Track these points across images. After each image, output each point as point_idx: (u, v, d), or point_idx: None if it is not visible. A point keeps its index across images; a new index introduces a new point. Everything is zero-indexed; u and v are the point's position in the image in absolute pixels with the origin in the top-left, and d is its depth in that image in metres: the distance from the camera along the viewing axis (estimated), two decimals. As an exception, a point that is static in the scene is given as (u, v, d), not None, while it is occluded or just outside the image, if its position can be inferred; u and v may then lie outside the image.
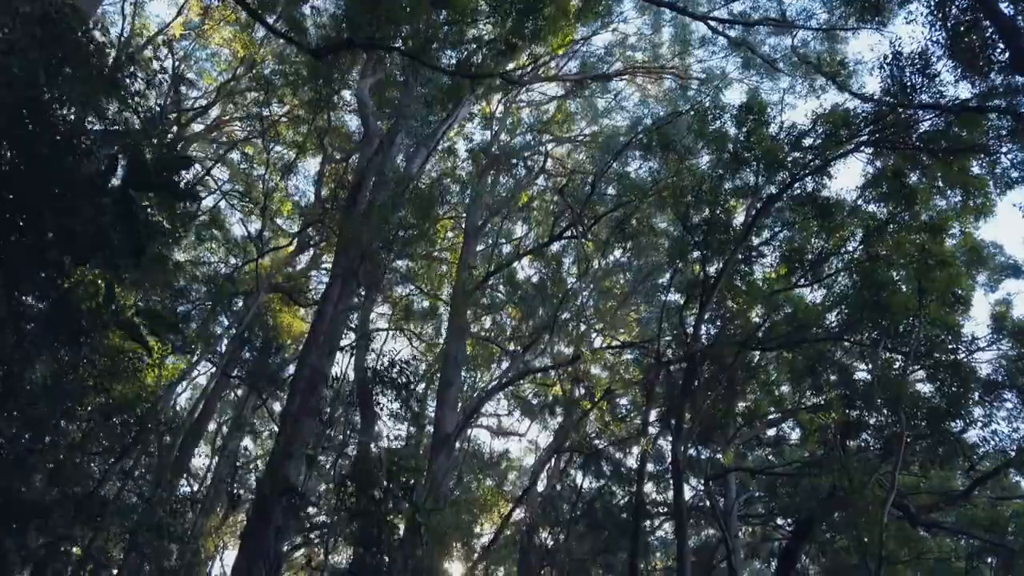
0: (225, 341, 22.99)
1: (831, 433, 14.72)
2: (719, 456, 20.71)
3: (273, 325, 21.60)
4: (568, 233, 22.63)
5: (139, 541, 8.91)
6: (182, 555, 11.44)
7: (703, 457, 20.55)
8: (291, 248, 25.16)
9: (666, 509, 26.84)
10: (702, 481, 21.05)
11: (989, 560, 18.05)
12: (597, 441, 26.99)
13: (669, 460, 24.08)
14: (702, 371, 16.89)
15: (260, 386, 20.28)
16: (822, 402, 15.95)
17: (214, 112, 28.32)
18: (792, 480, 18.68)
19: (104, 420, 9.00)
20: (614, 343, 23.97)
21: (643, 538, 23.16)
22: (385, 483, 7.65)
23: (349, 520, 9.89)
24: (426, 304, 30.08)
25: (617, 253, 29.06)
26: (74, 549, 10.01)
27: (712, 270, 17.25)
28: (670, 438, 25.80)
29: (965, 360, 15.38)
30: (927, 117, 15.04)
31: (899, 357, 15.47)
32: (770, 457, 23.99)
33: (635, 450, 25.52)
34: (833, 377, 17.43)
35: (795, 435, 24.93)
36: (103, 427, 9.14)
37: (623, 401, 27.52)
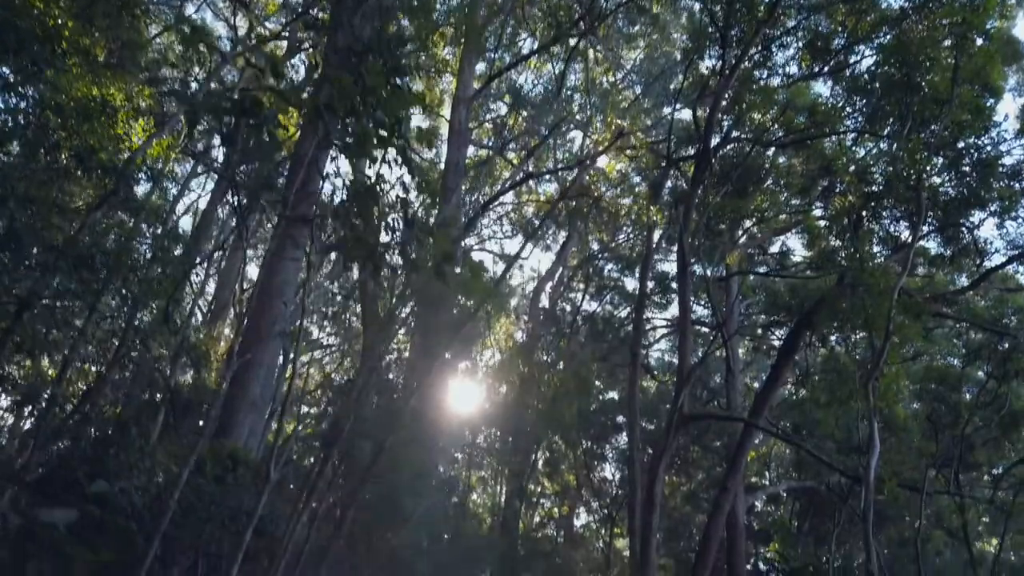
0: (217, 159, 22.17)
1: (846, 218, 14.26)
2: (721, 271, 20.51)
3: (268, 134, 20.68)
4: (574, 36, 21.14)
5: (135, 295, 8.63)
6: (183, 342, 11.24)
7: (708, 270, 20.30)
8: (281, 53, 23.65)
9: (666, 323, 27.21)
10: (704, 290, 20.97)
11: (985, 366, 18.22)
12: (600, 260, 26.94)
13: (671, 275, 24.10)
14: (712, 167, 16.23)
15: (257, 192, 19.64)
16: (837, 190, 15.35)
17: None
18: (797, 285, 18.58)
19: (78, 164, 8.48)
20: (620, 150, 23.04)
21: (642, 350, 23.52)
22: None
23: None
24: (426, 125, 28.96)
25: (627, 65, 27.55)
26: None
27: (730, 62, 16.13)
28: (672, 259, 25.75)
29: (990, 149, 14.63)
30: None
31: (922, 148, 14.69)
32: (775, 279, 23.89)
33: (636, 271, 25.49)
34: (848, 178, 16.78)
35: (800, 248, 24.70)
36: (79, 171, 8.63)
37: (627, 231, 27.17)
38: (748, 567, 19.12)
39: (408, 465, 9.89)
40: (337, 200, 5.53)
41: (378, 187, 5.03)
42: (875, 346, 12.39)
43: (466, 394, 28.65)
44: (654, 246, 17.87)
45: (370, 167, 5.09)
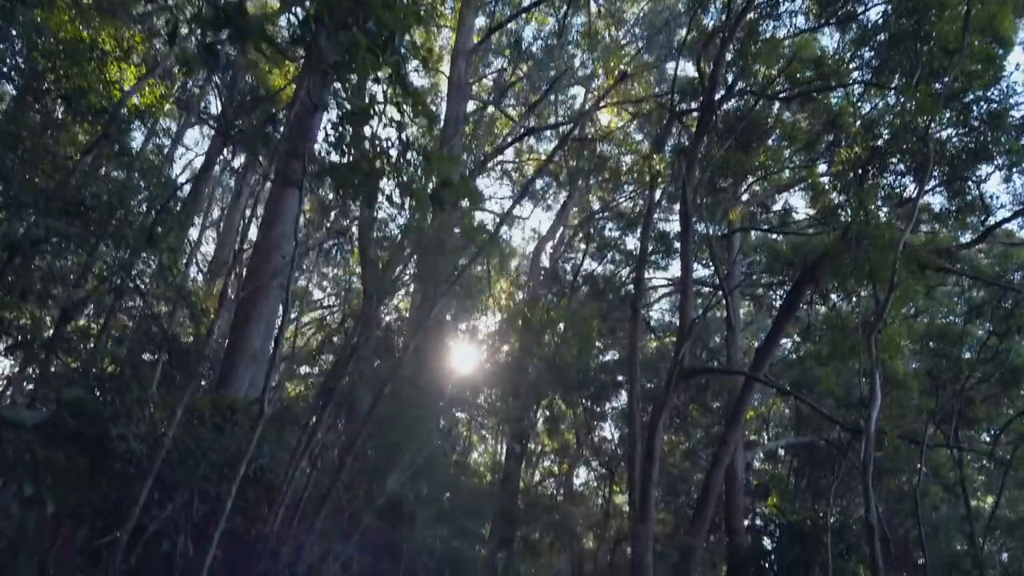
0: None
1: (852, 172, 14.04)
2: (723, 228, 20.31)
3: (264, 87, 20.38)
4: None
5: (129, 243, 8.47)
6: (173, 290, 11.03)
7: (710, 229, 20.12)
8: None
9: (667, 282, 27.13)
10: (706, 247, 20.83)
11: (987, 324, 18.14)
12: (601, 219, 26.71)
13: (673, 234, 23.93)
14: (716, 119, 15.97)
15: (254, 146, 19.39)
16: (843, 144, 15.11)
17: None
18: (799, 243, 18.43)
19: (67, 106, 8.28)
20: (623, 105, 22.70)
21: (643, 308, 23.44)
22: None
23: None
24: (425, 83, 28.56)
25: (630, 19, 26.98)
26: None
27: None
28: (674, 218, 25.54)
29: (999, 101, 14.36)
30: None
31: (931, 97, 14.41)
32: (776, 237, 23.71)
33: (636, 230, 25.28)
34: (855, 130, 16.51)
35: (802, 206, 24.48)
36: (68, 115, 8.44)
37: (628, 189, 26.90)
38: (746, 523, 19.26)
39: (408, 415, 9.88)
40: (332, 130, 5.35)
41: (371, 109, 4.86)
42: (878, 299, 12.29)
43: (467, 355, 28.70)
44: (656, 202, 17.65)
45: (361, 83, 4.91)
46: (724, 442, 14.03)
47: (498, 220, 28.40)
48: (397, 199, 5.04)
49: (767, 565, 16.60)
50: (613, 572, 23.09)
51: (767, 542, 18.22)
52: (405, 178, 4.81)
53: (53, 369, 9.05)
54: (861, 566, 15.68)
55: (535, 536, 21.06)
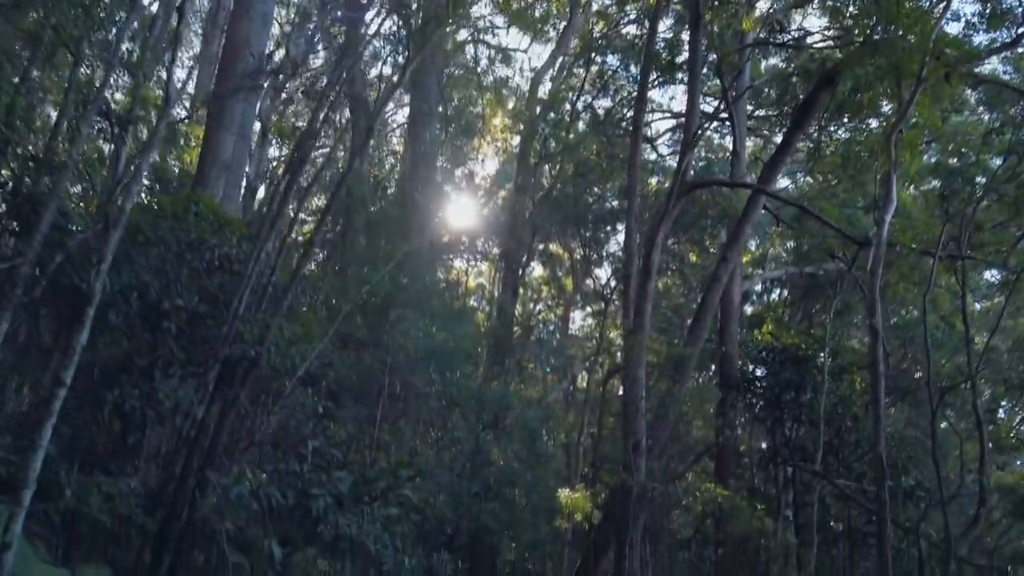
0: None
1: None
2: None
3: None
4: None
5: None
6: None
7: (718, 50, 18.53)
8: None
9: (669, 115, 25.78)
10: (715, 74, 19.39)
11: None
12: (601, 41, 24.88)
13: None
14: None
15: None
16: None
17: None
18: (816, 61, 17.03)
19: None
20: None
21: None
22: None
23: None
24: None
25: None
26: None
27: None
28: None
29: None
30: None
31: None
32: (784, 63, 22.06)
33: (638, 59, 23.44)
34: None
35: (818, 27, 22.75)
36: None
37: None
38: (739, 365, 19.04)
39: (387, 212, 9.17)
40: None
41: None
42: (901, 100, 11.29)
43: (463, 203, 28.07)
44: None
45: None
46: (723, 259, 13.52)
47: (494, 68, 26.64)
48: None
49: (758, 387, 16.62)
50: (605, 403, 23.42)
51: (760, 370, 18.16)
52: None
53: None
54: (856, 380, 15.63)
55: (530, 365, 21.17)
